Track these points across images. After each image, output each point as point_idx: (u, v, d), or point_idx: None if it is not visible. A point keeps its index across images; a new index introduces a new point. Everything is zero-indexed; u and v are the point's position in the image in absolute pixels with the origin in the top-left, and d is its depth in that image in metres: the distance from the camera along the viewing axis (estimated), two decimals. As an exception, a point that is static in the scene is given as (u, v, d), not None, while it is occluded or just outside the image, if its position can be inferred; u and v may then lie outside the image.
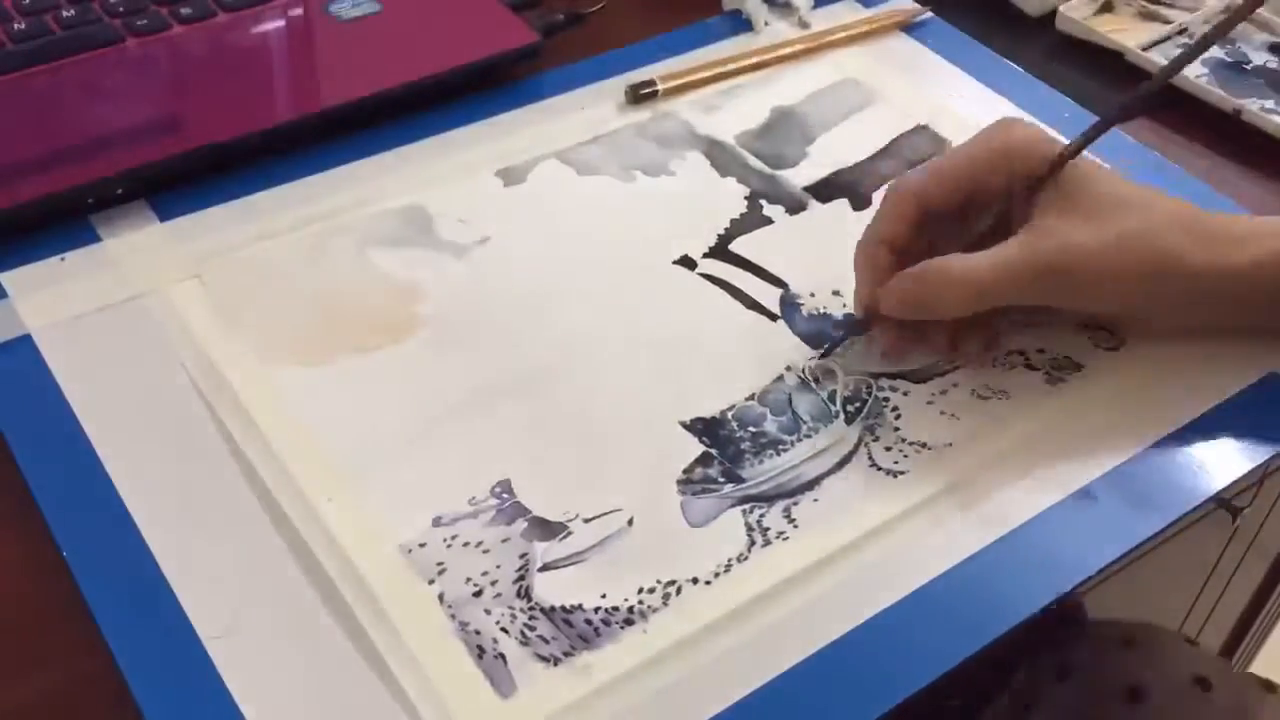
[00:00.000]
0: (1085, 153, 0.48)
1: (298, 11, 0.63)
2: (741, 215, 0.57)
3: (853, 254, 0.50)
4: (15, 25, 0.59)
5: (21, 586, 0.42)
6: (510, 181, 0.57)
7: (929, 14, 0.69)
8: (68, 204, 0.53)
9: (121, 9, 0.61)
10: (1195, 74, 0.66)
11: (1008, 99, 0.64)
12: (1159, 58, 0.67)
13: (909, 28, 0.69)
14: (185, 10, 0.61)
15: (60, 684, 0.39)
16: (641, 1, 0.69)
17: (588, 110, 0.61)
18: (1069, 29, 0.69)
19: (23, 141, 0.55)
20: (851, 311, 0.52)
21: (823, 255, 0.55)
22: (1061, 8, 0.70)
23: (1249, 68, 0.67)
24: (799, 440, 0.47)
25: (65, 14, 0.60)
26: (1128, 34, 0.69)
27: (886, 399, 0.49)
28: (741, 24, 0.68)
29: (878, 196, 0.58)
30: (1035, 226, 0.47)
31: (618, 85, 0.63)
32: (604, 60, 0.64)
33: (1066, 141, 0.48)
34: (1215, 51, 0.68)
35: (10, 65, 0.58)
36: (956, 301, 0.47)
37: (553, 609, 0.41)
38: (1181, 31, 0.69)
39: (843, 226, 0.56)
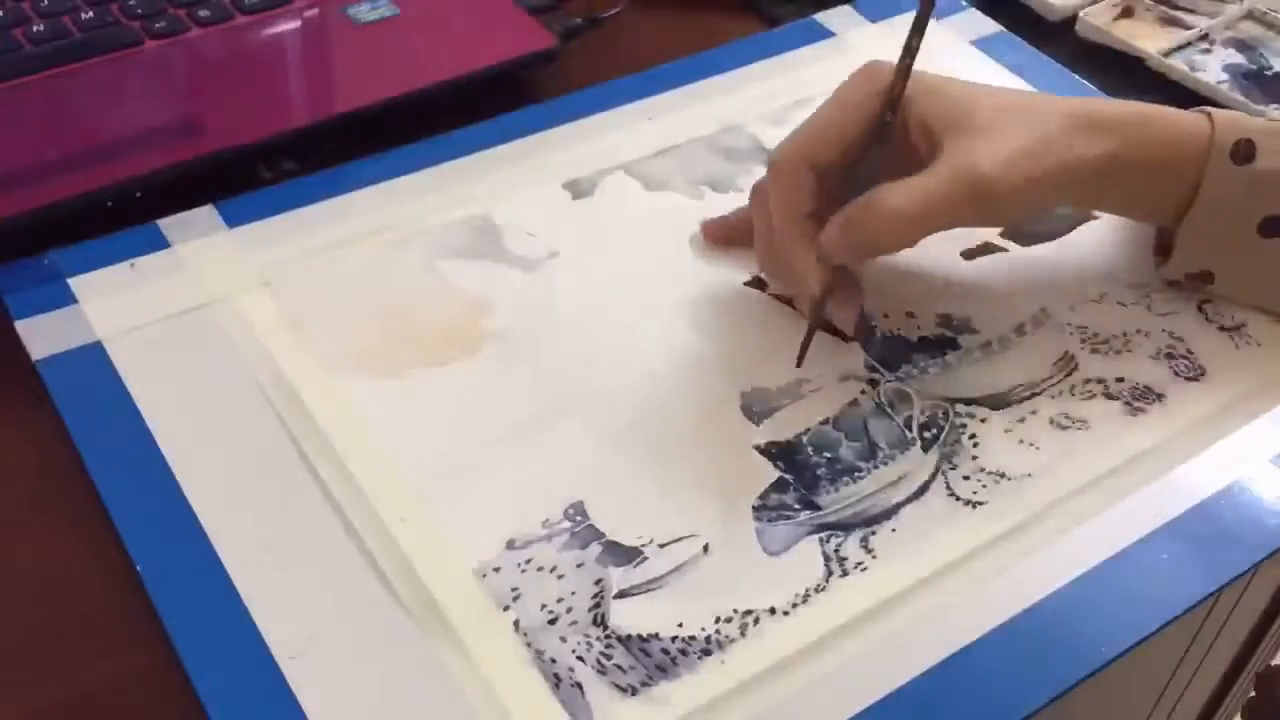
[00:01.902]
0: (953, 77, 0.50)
1: (315, 15, 0.63)
2: (813, 233, 0.56)
3: (787, 252, 0.49)
4: (34, 27, 0.59)
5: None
6: (578, 194, 0.57)
7: (1000, 29, 0.69)
8: (86, 207, 0.52)
9: (140, 11, 0.61)
10: (1217, 80, 0.65)
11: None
12: (1179, 63, 0.66)
13: (978, 42, 0.68)
14: (203, 13, 0.61)
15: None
16: (659, 6, 0.68)
17: (655, 121, 0.61)
18: (1089, 34, 0.69)
19: (41, 145, 0.55)
20: (927, 334, 0.51)
21: (896, 276, 0.54)
22: (1082, 13, 0.69)
23: (1269, 74, 0.66)
24: (875, 467, 0.46)
25: (84, 16, 0.60)
26: (1148, 39, 0.68)
27: (964, 426, 0.48)
28: (812, 33, 0.67)
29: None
30: (943, 153, 0.47)
31: (682, 95, 0.62)
32: (676, 68, 0.64)
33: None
34: (1237, 59, 0.67)
35: (29, 68, 0.58)
36: (894, 233, 0.47)
37: (629, 637, 0.40)
38: (1203, 37, 0.68)
39: (917, 247, 0.55)
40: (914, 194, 0.46)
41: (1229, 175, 0.48)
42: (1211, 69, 0.66)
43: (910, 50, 0.47)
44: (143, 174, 0.53)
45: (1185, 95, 0.65)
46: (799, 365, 0.49)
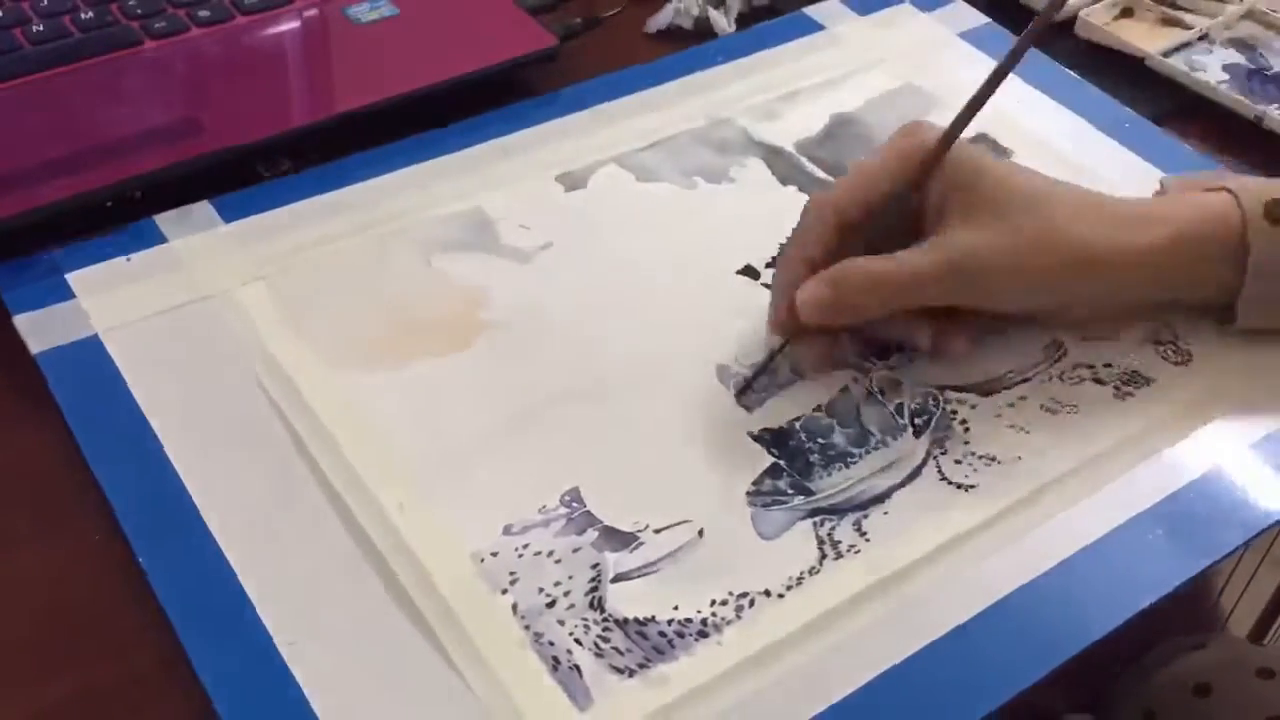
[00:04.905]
0: (990, 156, 0.50)
1: (315, 15, 0.64)
2: (804, 224, 0.56)
3: (776, 279, 0.49)
4: (34, 27, 0.59)
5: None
6: (571, 186, 0.57)
7: (987, 21, 0.69)
8: (86, 207, 0.52)
9: (139, 11, 0.61)
10: (1216, 80, 0.65)
11: (1067, 107, 0.64)
12: (1179, 63, 0.66)
13: (966, 34, 0.69)
14: (203, 13, 0.62)
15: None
16: (659, 6, 0.69)
17: (646, 115, 0.61)
18: (1089, 34, 0.69)
19: (40, 144, 0.55)
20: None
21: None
22: (1082, 13, 0.69)
23: (1270, 74, 0.66)
24: (868, 453, 0.47)
25: (83, 16, 0.60)
26: (1148, 39, 0.68)
27: (954, 412, 0.49)
28: (802, 27, 0.68)
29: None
30: (945, 230, 0.47)
31: (673, 89, 0.62)
32: (667, 63, 0.64)
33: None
34: (1237, 58, 0.67)
35: (28, 67, 0.58)
36: (870, 304, 0.47)
37: (626, 620, 0.41)
38: (1203, 37, 0.68)
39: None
40: (895, 267, 0.47)
41: (1270, 238, 0.48)
42: (1211, 69, 0.66)
43: (951, 133, 0.48)
44: (142, 174, 0.54)
45: (1185, 95, 0.65)
46: (738, 397, 0.48)
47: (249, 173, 0.56)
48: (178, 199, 0.54)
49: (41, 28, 0.59)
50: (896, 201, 0.48)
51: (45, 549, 0.43)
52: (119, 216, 0.53)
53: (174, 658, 0.39)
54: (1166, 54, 0.67)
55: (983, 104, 0.48)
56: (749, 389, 0.49)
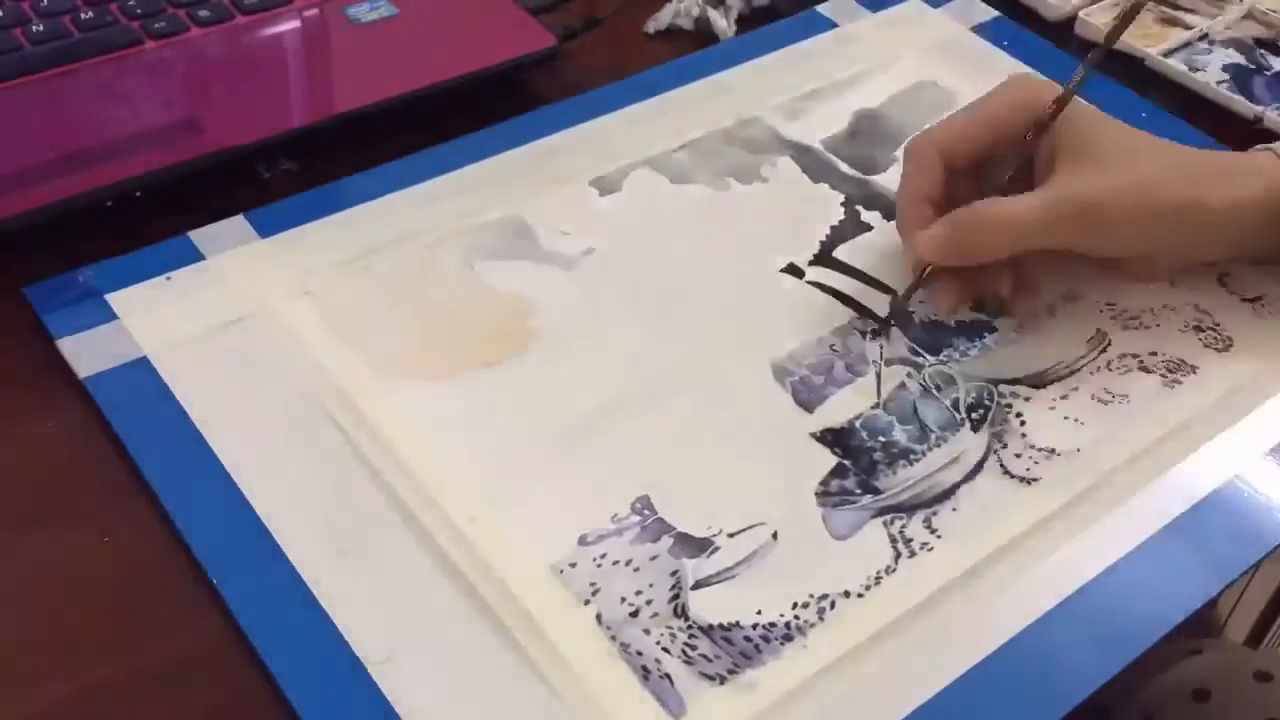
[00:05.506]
0: (1094, 107, 0.52)
1: (315, 15, 0.63)
2: (840, 222, 0.56)
3: (902, 229, 0.52)
4: (34, 27, 0.59)
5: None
6: (605, 191, 0.57)
7: (997, 14, 0.70)
8: (86, 207, 0.52)
9: (140, 11, 0.60)
10: (1217, 81, 0.66)
11: (1083, 98, 0.64)
12: (1179, 63, 0.67)
13: (978, 28, 0.69)
14: (203, 13, 0.61)
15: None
16: (659, 5, 0.69)
17: (671, 117, 0.61)
18: (1089, 34, 0.69)
19: (40, 144, 0.55)
20: (963, 317, 0.52)
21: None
22: (1081, 13, 0.69)
23: (1269, 74, 0.67)
24: (929, 449, 0.47)
25: (83, 16, 0.60)
26: (1148, 40, 0.68)
27: (1009, 405, 0.49)
28: (815, 25, 0.68)
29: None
30: (1061, 174, 0.49)
31: (693, 91, 0.62)
32: (686, 63, 0.64)
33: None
34: (1237, 59, 0.68)
35: (28, 67, 0.57)
36: (995, 244, 0.49)
37: (711, 627, 0.41)
38: (1203, 37, 0.69)
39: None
40: (1018, 208, 0.49)
41: None
42: (1211, 69, 0.67)
43: (1069, 91, 0.50)
44: (143, 174, 0.53)
45: (1185, 95, 0.66)
46: (906, 299, 0.51)
47: (249, 173, 0.56)
48: (178, 199, 0.53)
49: (41, 28, 0.59)
50: (1013, 150, 0.50)
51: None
52: (120, 217, 0.52)
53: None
54: (1166, 54, 0.67)
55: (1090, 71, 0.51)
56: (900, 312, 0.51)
